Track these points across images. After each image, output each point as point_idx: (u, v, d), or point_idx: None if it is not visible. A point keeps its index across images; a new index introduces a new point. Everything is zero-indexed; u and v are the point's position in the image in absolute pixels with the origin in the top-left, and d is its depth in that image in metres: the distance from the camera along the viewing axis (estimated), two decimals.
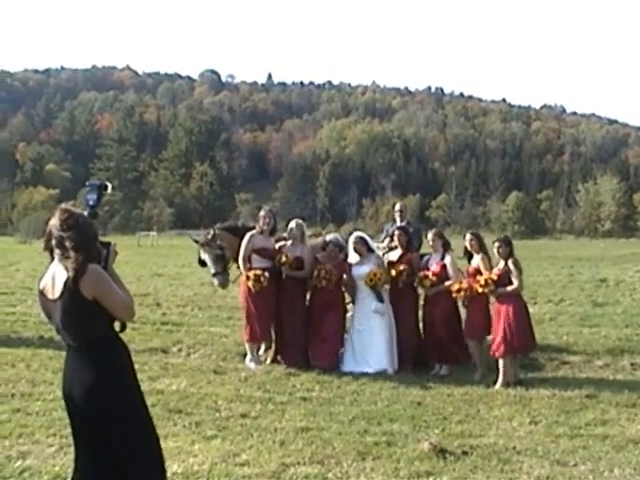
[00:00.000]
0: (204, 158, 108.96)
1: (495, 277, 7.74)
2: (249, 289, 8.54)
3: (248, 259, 8.69)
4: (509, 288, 7.73)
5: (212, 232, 8.94)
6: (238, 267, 8.91)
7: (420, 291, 8.74)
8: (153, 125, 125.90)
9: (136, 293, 13.79)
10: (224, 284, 9.07)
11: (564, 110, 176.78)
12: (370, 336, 8.45)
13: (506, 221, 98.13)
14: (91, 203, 3.86)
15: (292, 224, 8.87)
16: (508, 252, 7.84)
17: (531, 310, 12.50)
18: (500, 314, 7.74)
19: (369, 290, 8.53)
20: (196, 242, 9.05)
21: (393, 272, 8.51)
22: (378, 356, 8.37)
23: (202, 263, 9.09)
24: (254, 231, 8.80)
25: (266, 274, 8.44)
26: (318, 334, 8.51)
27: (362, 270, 8.55)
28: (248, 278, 8.50)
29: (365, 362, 8.36)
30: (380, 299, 8.53)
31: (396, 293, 8.66)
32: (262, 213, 8.92)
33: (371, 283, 8.44)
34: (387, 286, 8.75)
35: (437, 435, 5.83)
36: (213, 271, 8.96)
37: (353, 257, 8.79)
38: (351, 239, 8.85)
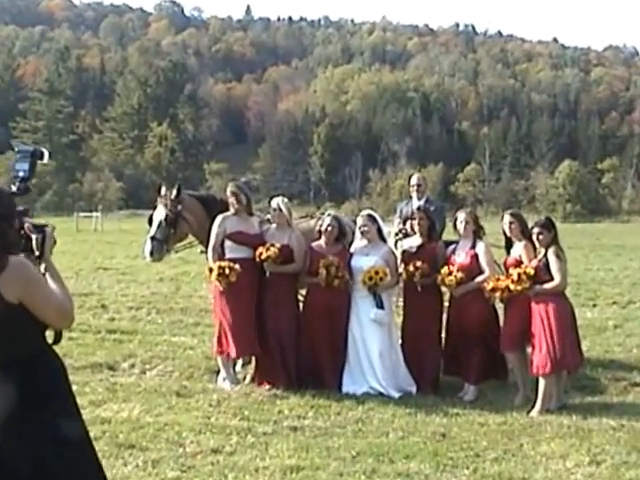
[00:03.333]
0: (163, 117, 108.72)
1: (532, 271, 7.73)
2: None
3: (220, 248, 8.67)
4: (548, 285, 7.71)
5: (177, 190, 9.05)
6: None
7: (444, 290, 8.71)
8: (95, 73, 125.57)
9: (75, 292, 13.75)
10: (155, 257, 9.16)
11: (636, 52, 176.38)
12: (363, 348, 8.48)
13: (556, 199, 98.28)
14: (22, 175, 3.85)
15: (278, 203, 8.82)
16: (550, 239, 7.83)
17: (589, 315, 12.70)
18: (538, 319, 7.75)
19: (367, 291, 8.48)
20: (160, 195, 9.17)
21: (405, 273, 8.50)
22: (375, 375, 8.38)
23: (151, 222, 9.23)
24: (228, 213, 8.77)
25: (236, 266, 8.36)
26: (318, 345, 8.54)
27: (365, 262, 8.49)
28: (211, 271, 8.47)
29: (364, 381, 8.40)
30: (380, 305, 8.48)
31: (413, 292, 8.64)
32: (228, 190, 8.84)
33: (370, 282, 8.34)
34: (401, 285, 8.74)
35: (467, 477, 5.85)
36: (151, 234, 9.06)
37: (357, 243, 8.78)
38: (359, 219, 8.80)
